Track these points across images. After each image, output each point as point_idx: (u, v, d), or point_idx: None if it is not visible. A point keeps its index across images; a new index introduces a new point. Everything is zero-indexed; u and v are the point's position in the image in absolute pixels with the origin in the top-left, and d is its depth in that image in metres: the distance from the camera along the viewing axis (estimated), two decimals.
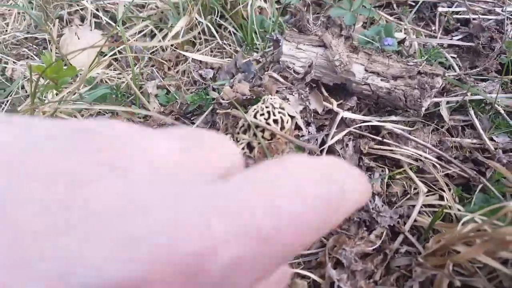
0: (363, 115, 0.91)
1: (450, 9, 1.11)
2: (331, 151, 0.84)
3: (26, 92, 1.09)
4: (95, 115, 1.00)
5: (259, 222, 0.17)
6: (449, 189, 0.80)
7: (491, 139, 0.86)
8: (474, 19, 1.08)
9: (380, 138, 0.85)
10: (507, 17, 1.06)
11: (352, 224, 0.77)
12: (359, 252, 0.73)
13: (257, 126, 0.76)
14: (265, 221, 0.18)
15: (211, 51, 1.13)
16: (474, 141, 0.86)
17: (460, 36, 1.07)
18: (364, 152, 0.83)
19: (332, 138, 0.84)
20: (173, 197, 0.17)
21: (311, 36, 0.94)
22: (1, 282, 0.14)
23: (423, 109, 0.85)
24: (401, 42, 1.01)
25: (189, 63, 1.08)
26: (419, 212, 0.78)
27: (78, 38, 1.16)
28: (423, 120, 0.90)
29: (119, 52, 1.08)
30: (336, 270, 0.71)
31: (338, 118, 0.85)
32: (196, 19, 1.13)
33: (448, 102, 0.91)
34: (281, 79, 0.95)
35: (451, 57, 1.01)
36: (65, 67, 0.93)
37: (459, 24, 1.10)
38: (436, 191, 0.81)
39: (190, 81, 1.07)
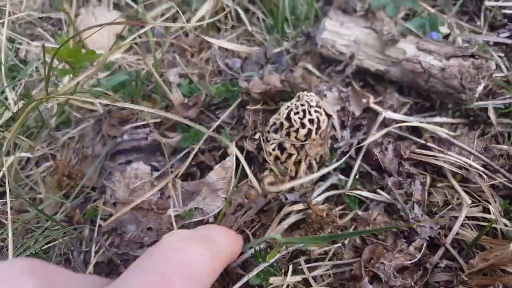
0: (404, 114, 0.87)
1: (498, 3, 1.05)
2: (369, 155, 0.80)
3: (41, 75, 1.06)
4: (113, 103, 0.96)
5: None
6: (494, 201, 0.76)
7: None
8: None
9: (423, 141, 0.81)
10: None
11: (389, 234, 0.74)
12: (397, 266, 0.70)
13: (290, 125, 0.72)
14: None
15: (238, 38, 1.09)
16: None
17: (507, 34, 1.01)
18: (404, 157, 0.79)
19: (370, 140, 0.80)
20: None
21: (355, 18, 0.90)
22: None
23: (479, 89, 0.80)
24: (445, 37, 0.96)
25: (214, 50, 1.04)
26: (462, 225, 0.74)
27: (95, 19, 1.12)
28: (467, 121, 0.86)
29: (139, 36, 1.04)
30: (373, 285, 0.68)
31: (380, 119, 0.81)
32: (223, 2, 1.08)
33: (495, 105, 0.86)
34: (317, 72, 0.91)
35: (498, 56, 0.96)
36: (83, 51, 0.89)
37: (506, 20, 1.04)
38: (480, 203, 0.77)
39: (214, 70, 1.03)
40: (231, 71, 0.98)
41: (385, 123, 0.84)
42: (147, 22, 0.99)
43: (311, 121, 0.72)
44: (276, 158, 0.75)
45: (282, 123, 0.73)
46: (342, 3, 0.97)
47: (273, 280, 0.68)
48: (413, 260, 0.70)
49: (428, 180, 0.80)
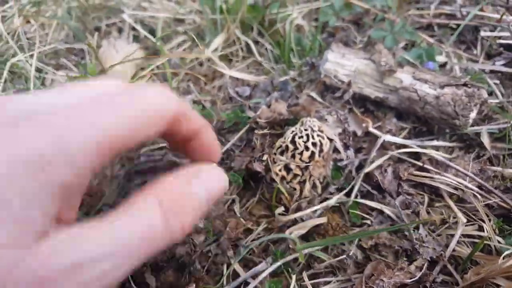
0: (403, 138, 0.94)
1: (493, 34, 1.14)
2: (369, 176, 0.88)
3: None
4: None
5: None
6: (489, 220, 0.82)
7: None
8: None
9: (421, 164, 0.88)
10: None
11: (390, 252, 0.80)
12: (397, 283, 0.75)
13: (295, 148, 0.81)
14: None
15: (247, 68, 1.19)
16: None
17: (503, 62, 1.09)
18: (403, 178, 0.86)
19: (371, 163, 0.87)
20: None
21: (356, 50, 0.99)
22: None
23: (472, 115, 0.88)
24: (442, 66, 1.04)
25: (225, 79, 1.14)
26: (458, 242, 0.80)
27: (116, 52, 1.23)
28: (463, 145, 0.93)
29: (157, 67, 1.15)
30: None
31: (379, 142, 0.89)
32: (235, 34, 1.19)
33: (490, 130, 0.93)
34: (319, 99, 1.00)
35: (494, 83, 1.03)
36: None
37: (502, 49, 1.13)
38: (476, 221, 0.83)
39: (225, 97, 1.12)
40: (240, 98, 1.08)
41: (385, 146, 0.92)
42: (165, 54, 1.10)
43: (314, 144, 0.81)
44: (283, 178, 0.83)
45: (287, 146, 0.81)
46: (343, 37, 1.08)
47: None
48: (413, 279, 0.75)
49: (426, 200, 0.87)
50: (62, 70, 1.28)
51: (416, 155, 0.93)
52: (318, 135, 0.81)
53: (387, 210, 0.84)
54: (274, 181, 0.83)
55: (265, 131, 0.91)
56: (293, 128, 0.83)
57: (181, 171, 0.46)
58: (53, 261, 0.32)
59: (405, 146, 0.92)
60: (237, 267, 0.78)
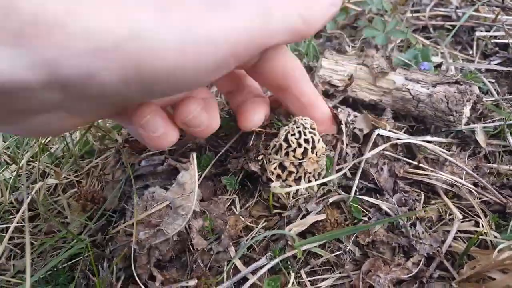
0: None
1: (488, 34, 1.17)
2: (365, 174, 0.90)
3: None
4: None
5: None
6: (485, 216, 0.84)
7: None
8: None
9: (416, 163, 0.91)
10: None
11: (388, 248, 0.82)
12: (393, 279, 0.77)
13: (288, 146, 0.84)
14: None
15: None
16: None
17: (498, 61, 1.12)
18: (399, 176, 0.89)
19: (366, 158, 0.89)
20: None
21: (349, 56, 1.03)
22: None
23: (465, 112, 0.90)
24: (437, 66, 1.07)
25: None
26: (455, 238, 0.82)
27: None
28: (459, 142, 0.95)
29: None
30: None
31: (374, 135, 0.91)
32: None
33: (485, 128, 0.96)
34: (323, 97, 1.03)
35: (489, 82, 1.06)
36: None
37: (497, 49, 1.15)
38: (472, 218, 0.85)
39: (222, 101, 1.16)
40: None
41: (379, 143, 0.94)
42: None
43: (306, 141, 0.83)
44: (278, 176, 0.86)
45: (281, 145, 0.84)
46: (336, 45, 1.12)
47: None
48: (410, 275, 0.77)
49: (422, 197, 0.89)
50: None
51: (412, 154, 0.95)
52: (310, 132, 0.83)
53: (384, 207, 0.86)
54: (271, 181, 0.86)
55: (260, 132, 0.95)
56: (286, 127, 0.86)
57: None
58: None
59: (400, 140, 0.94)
60: (238, 263, 0.81)
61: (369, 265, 0.80)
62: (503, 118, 0.95)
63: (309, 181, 0.86)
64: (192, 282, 0.77)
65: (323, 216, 0.83)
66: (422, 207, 0.87)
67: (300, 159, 0.83)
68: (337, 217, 0.85)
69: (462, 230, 0.84)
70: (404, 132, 1.00)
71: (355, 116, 0.96)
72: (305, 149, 0.82)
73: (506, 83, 1.07)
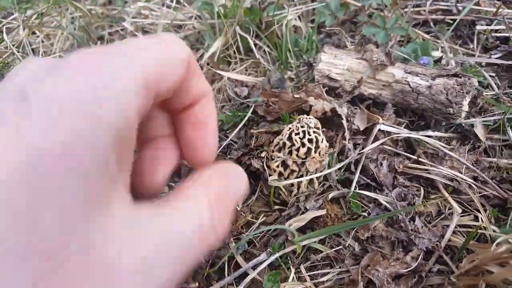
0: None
1: (489, 27, 1.17)
2: (365, 169, 0.91)
3: None
4: None
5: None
6: (485, 210, 0.85)
7: None
8: None
9: (416, 157, 0.92)
10: None
11: (387, 243, 0.83)
12: (392, 273, 0.79)
13: (292, 145, 0.85)
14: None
15: (246, 70, 1.24)
16: None
17: (499, 55, 1.12)
18: (398, 171, 0.90)
19: (366, 154, 0.91)
20: None
21: (348, 50, 1.04)
22: None
23: (465, 104, 0.91)
24: (437, 60, 1.08)
25: (224, 81, 1.19)
26: (454, 232, 0.83)
27: None
28: (459, 136, 0.96)
29: None
30: None
31: (376, 130, 0.92)
32: (233, 37, 1.24)
33: (485, 122, 0.96)
34: (324, 94, 1.04)
35: (490, 75, 1.06)
36: None
37: (498, 42, 1.16)
38: (472, 212, 0.86)
39: (225, 98, 1.17)
40: (239, 98, 1.13)
41: (380, 138, 0.95)
42: None
43: (310, 140, 0.85)
44: (280, 174, 0.87)
45: (284, 143, 0.85)
46: (335, 40, 1.13)
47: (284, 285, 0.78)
48: (409, 269, 0.78)
49: (422, 192, 0.90)
50: None
51: (412, 149, 0.96)
52: (314, 132, 0.85)
53: (384, 201, 0.87)
54: None
55: (263, 129, 0.96)
56: (290, 126, 0.87)
57: (213, 168, 0.42)
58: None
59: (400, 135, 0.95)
60: (239, 259, 0.82)
61: (368, 259, 0.81)
62: (503, 112, 0.96)
63: (311, 180, 0.88)
64: (193, 285, 0.79)
65: (323, 212, 0.85)
66: (422, 201, 0.88)
67: (303, 159, 0.84)
68: (337, 212, 0.86)
69: (462, 225, 0.85)
70: (404, 127, 1.01)
71: (354, 113, 0.97)
72: (309, 148, 0.83)
73: (507, 77, 1.08)
